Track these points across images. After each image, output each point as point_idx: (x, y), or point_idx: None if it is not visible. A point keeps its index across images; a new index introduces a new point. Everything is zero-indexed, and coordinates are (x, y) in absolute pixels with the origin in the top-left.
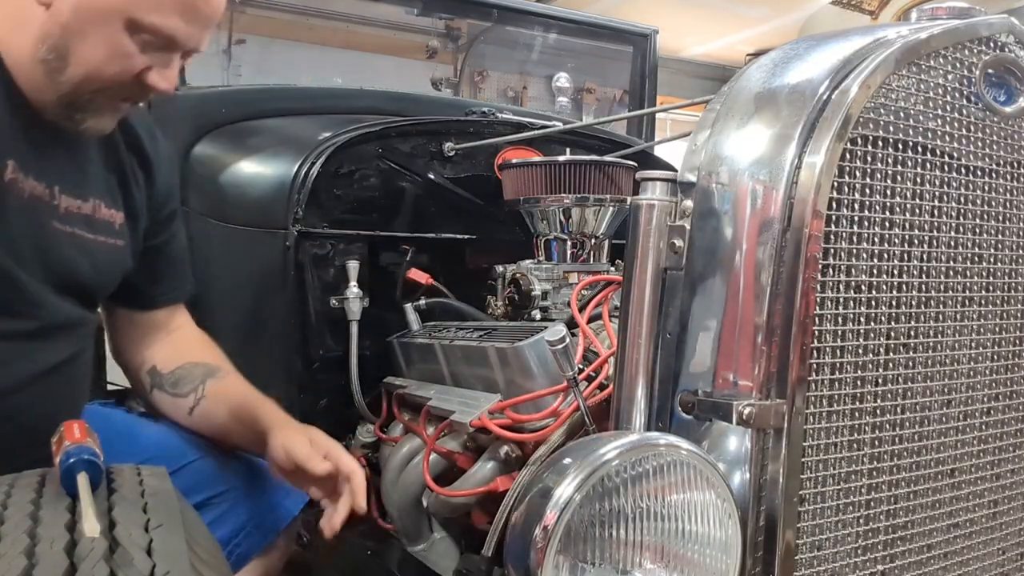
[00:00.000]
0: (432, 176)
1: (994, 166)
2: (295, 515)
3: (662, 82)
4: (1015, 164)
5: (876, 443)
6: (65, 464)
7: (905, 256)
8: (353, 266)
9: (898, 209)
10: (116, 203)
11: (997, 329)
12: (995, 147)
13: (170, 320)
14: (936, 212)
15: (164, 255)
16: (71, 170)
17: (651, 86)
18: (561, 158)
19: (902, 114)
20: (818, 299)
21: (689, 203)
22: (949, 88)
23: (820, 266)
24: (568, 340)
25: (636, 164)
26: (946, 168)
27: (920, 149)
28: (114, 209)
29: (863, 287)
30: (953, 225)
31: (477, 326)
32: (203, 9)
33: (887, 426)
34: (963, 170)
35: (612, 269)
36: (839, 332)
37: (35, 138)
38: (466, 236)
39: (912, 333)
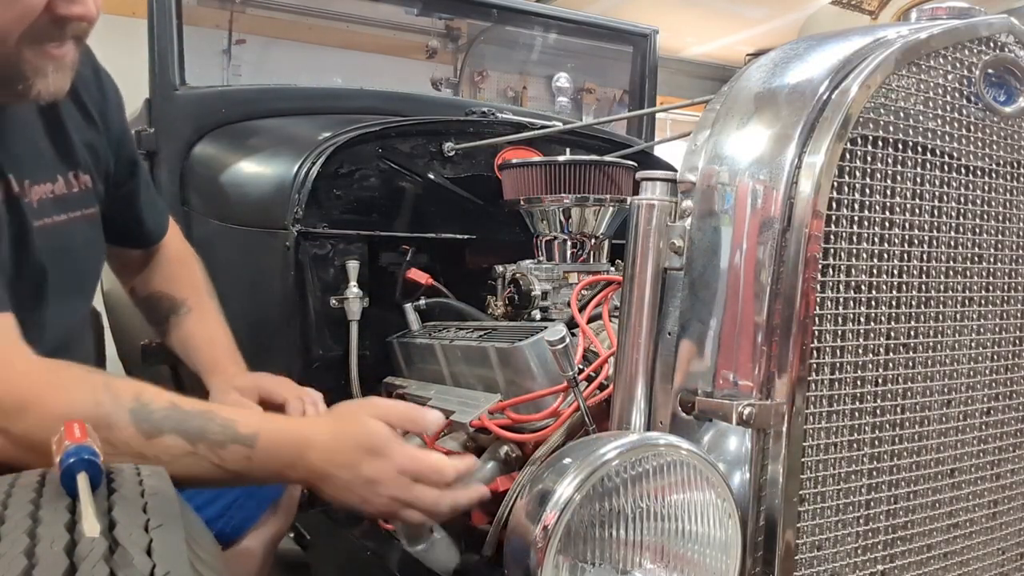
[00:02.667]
0: (432, 176)
1: (994, 166)
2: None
3: (662, 82)
4: (1015, 164)
5: (876, 443)
6: (65, 464)
7: (905, 256)
8: (353, 266)
9: (898, 209)
10: (76, 164)
11: (997, 329)
12: (995, 147)
13: (156, 251)
14: (936, 212)
15: (135, 199)
16: (28, 152)
17: (651, 86)
18: (561, 158)
19: (902, 114)
20: (818, 299)
21: (689, 203)
22: (949, 88)
23: (820, 266)
24: (568, 340)
25: (636, 164)
26: (946, 168)
27: (920, 149)
28: (79, 171)
29: (863, 287)
30: (953, 225)
31: (477, 326)
32: None
33: (887, 426)
34: (963, 170)
35: (612, 269)
36: (839, 332)
37: (11, 133)
38: (466, 236)
39: (912, 333)
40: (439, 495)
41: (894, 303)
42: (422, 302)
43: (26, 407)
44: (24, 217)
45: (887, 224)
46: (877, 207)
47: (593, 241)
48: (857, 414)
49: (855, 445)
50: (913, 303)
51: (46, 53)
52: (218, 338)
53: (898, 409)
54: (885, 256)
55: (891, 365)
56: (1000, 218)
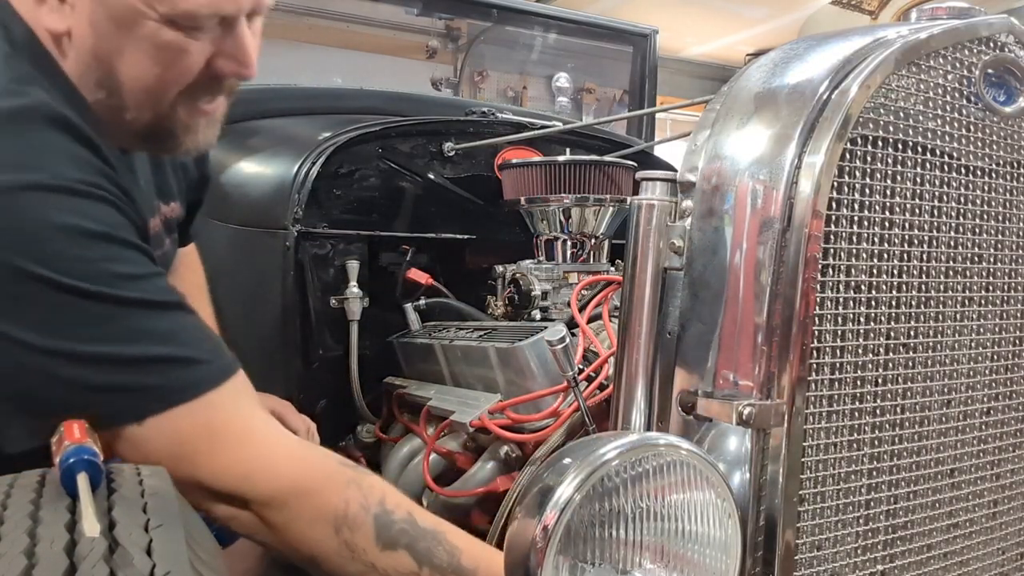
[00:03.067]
0: (432, 176)
1: (994, 166)
2: None
3: (662, 82)
4: (1015, 164)
5: (876, 443)
6: (65, 464)
7: (905, 256)
8: (353, 266)
9: (898, 209)
10: (171, 192)
11: (997, 329)
12: (995, 147)
13: (178, 254)
14: (936, 212)
15: (195, 211)
16: (145, 187)
17: (651, 86)
18: (561, 158)
19: (902, 114)
20: (818, 299)
21: (689, 203)
22: (949, 88)
23: (820, 266)
24: (568, 340)
25: (636, 164)
26: (946, 168)
27: (920, 149)
28: (172, 199)
29: (863, 287)
30: (953, 225)
31: (477, 326)
32: None
33: (887, 426)
34: (963, 170)
35: (612, 269)
36: (839, 332)
37: (136, 177)
38: (466, 236)
39: (912, 333)
40: None
41: (894, 303)
42: (422, 302)
43: (283, 501)
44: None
45: (887, 224)
46: (877, 207)
47: (593, 241)
48: (857, 414)
49: (855, 445)
50: (913, 303)
51: (199, 110)
52: None
53: (898, 409)
54: (885, 256)
55: (891, 365)
56: (1000, 218)
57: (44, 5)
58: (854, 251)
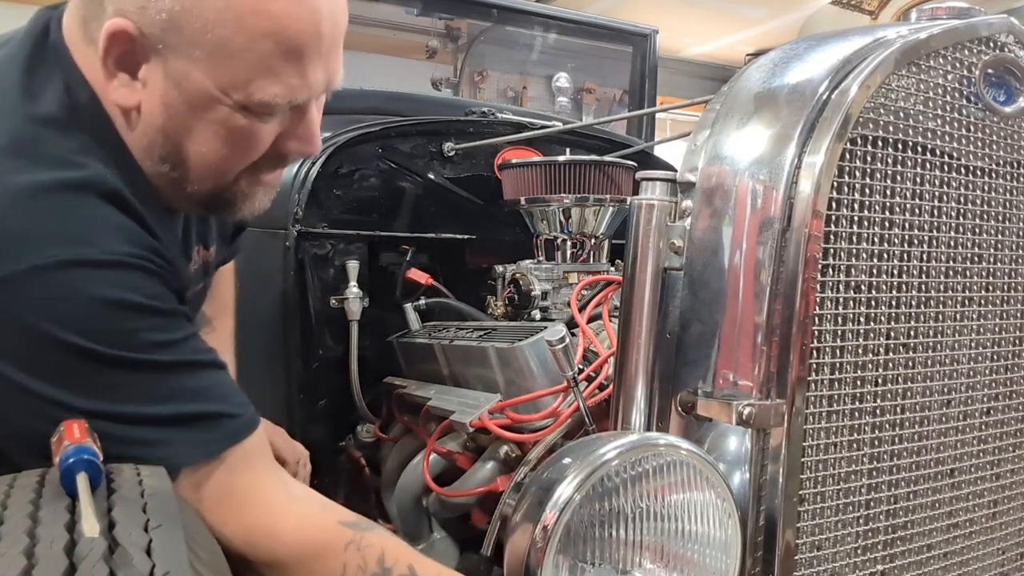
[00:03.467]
0: (432, 176)
1: (994, 166)
2: None
3: (662, 82)
4: (1015, 164)
5: (876, 443)
6: (65, 464)
7: (905, 256)
8: (353, 266)
9: (898, 209)
10: (212, 235)
11: (997, 329)
12: (995, 147)
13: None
14: (936, 212)
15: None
16: (185, 232)
17: (651, 86)
18: (561, 158)
19: (902, 114)
20: (818, 299)
21: (689, 203)
22: (949, 88)
23: (820, 266)
24: (568, 340)
25: (636, 164)
26: (946, 168)
27: (920, 149)
28: (208, 244)
29: (863, 287)
30: (953, 225)
31: (477, 326)
32: (316, 48)
33: (887, 426)
34: (963, 170)
35: (612, 269)
36: (839, 332)
37: (177, 227)
38: (466, 236)
39: (912, 333)
40: None
41: (894, 303)
42: (422, 302)
43: (283, 566)
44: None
45: (887, 224)
46: (877, 207)
47: (593, 241)
48: (857, 414)
49: (855, 445)
50: (913, 303)
51: (259, 181)
52: (227, 364)
53: (898, 409)
54: (885, 256)
55: (891, 365)
56: (1000, 218)
57: (115, 79)
58: (854, 251)
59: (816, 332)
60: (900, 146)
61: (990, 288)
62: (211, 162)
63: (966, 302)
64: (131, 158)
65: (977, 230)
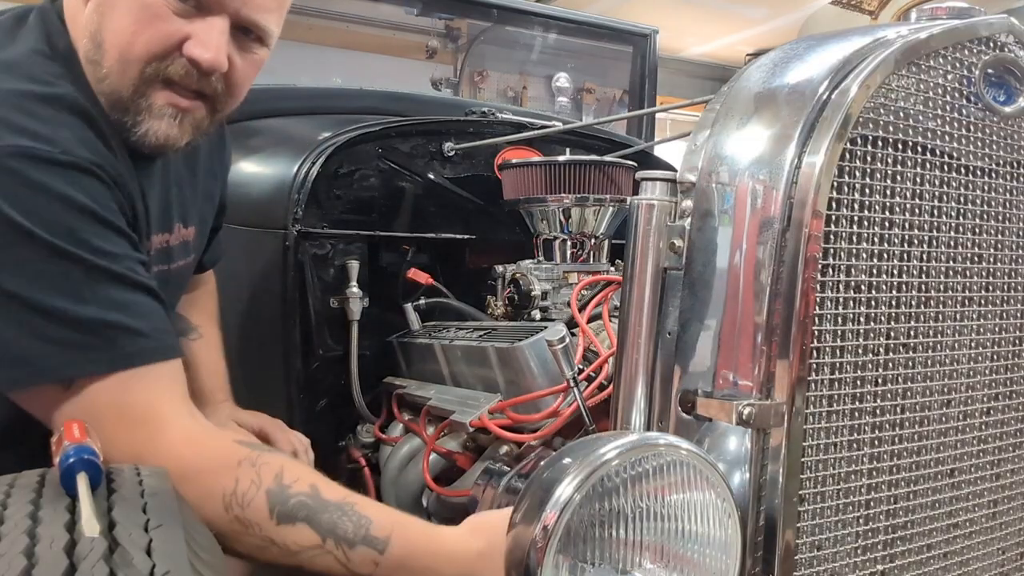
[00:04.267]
0: (432, 176)
1: (994, 166)
2: None
3: (662, 82)
4: (1015, 164)
5: (876, 443)
6: (65, 464)
7: (905, 256)
8: (353, 266)
9: (898, 209)
10: (193, 217)
11: (997, 329)
12: (995, 147)
13: (197, 278)
14: (936, 212)
15: (215, 232)
16: (163, 202)
17: (651, 86)
18: (561, 158)
19: (902, 114)
20: (818, 299)
21: (689, 203)
22: (949, 88)
23: (820, 266)
24: (568, 340)
25: (636, 164)
26: (946, 168)
27: (920, 149)
28: (191, 225)
29: (863, 287)
30: (953, 225)
31: (477, 326)
32: None
33: (887, 426)
34: (963, 170)
35: (612, 269)
36: (839, 332)
37: (149, 190)
38: (466, 236)
39: (912, 333)
40: None
41: (894, 303)
42: (422, 302)
43: (180, 479)
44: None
45: (887, 224)
46: (877, 207)
47: (593, 241)
48: (857, 414)
49: (855, 445)
50: (913, 303)
51: (170, 98)
52: (219, 370)
53: (898, 409)
54: (885, 256)
55: (891, 365)
56: (1000, 218)
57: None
58: (854, 251)
59: (816, 332)
60: (900, 146)
61: (990, 288)
62: (119, 40)
63: (966, 302)
64: (95, 95)
65: (977, 230)
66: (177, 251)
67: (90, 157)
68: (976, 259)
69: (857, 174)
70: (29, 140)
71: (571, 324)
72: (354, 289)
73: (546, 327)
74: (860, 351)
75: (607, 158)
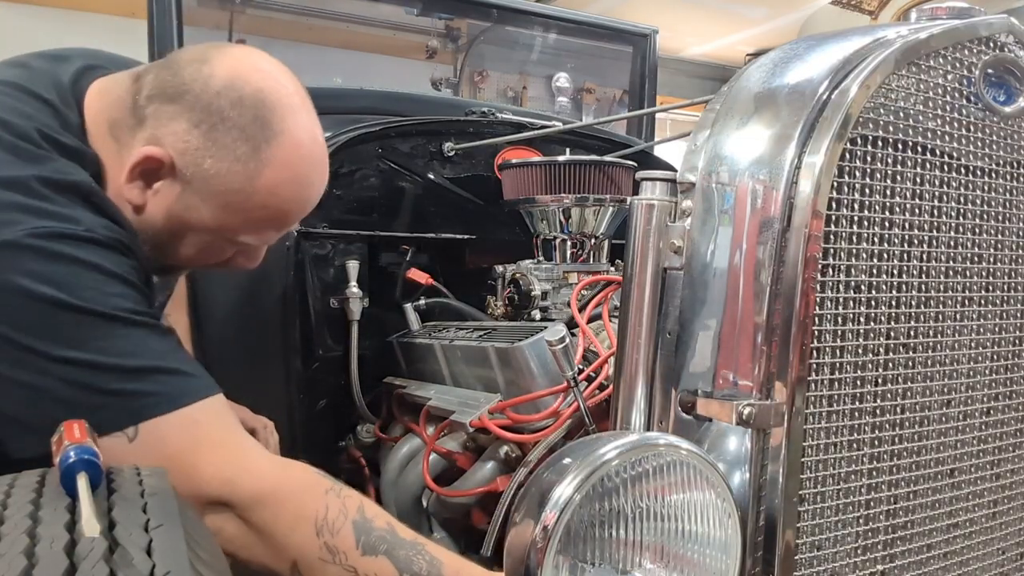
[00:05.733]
0: (432, 176)
1: (994, 166)
2: None
3: (662, 82)
4: (1015, 164)
5: (876, 443)
6: (65, 464)
7: (905, 256)
8: (353, 266)
9: (898, 209)
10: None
11: (997, 329)
12: (995, 147)
13: None
14: (936, 212)
15: None
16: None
17: (651, 86)
18: (561, 158)
19: (902, 114)
20: (818, 299)
21: (689, 203)
22: (949, 88)
23: (820, 266)
24: (568, 340)
25: (636, 164)
26: (946, 168)
27: (920, 149)
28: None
29: (863, 287)
30: (953, 225)
31: (477, 326)
32: (296, 216)
33: (887, 426)
34: (963, 170)
35: (612, 269)
36: (839, 332)
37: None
38: (466, 236)
39: (912, 333)
40: None
41: (894, 303)
42: (422, 302)
43: (264, 501)
44: None
45: (887, 224)
46: (877, 207)
47: (593, 241)
48: (857, 414)
49: (855, 445)
50: (913, 303)
51: (206, 266)
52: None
53: (898, 409)
54: (885, 256)
55: (891, 365)
56: (1000, 218)
57: (133, 184)
58: (854, 251)
59: (816, 332)
60: (900, 146)
61: (990, 288)
62: (184, 259)
63: (966, 302)
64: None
65: (977, 230)
66: (160, 287)
67: (110, 235)
68: (976, 259)
69: (857, 174)
70: (54, 222)
71: (571, 324)
72: (354, 289)
73: (546, 327)
74: (860, 351)
75: (607, 158)
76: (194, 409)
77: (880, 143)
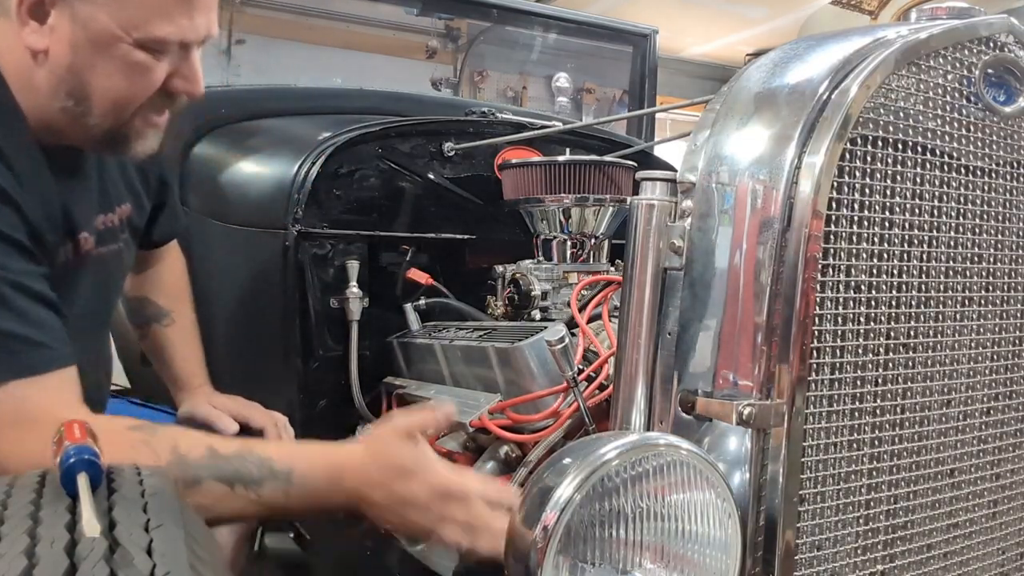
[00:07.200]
0: (432, 176)
1: (994, 166)
2: None
3: (662, 82)
4: (1015, 164)
5: (876, 443)
6: (65, 464)
7: (905, 256)
8: (353, 266)
9: (898, 209)
10: (125, 195)
11: (997, 329)
12: (995, 147)
13: (154, 255)
14: (936, 212)
15: (159, 209)
16: (88, 191)
17: (651, 86)
18: (561, 158)
19: (902, 114)
20: (818, 299)
21: (689, 203)
22: (949, 88)
23: (820, 266)
24: (568, 340)
25: (636, 164)
26: (946, 168)
27: (920, 149)
28: (125, 203)
29: (863, 287)
30: (953, 225)
31: (477, 326)
32: None
33: (887, 426)
34: (963, 170)
35: (612, 269)
36: (839, 332)
37: (77, 187)
38: (466, 236)
39: (912, 333)
40: (473, 516)
41: (894, 303)
42: (422, 302)
43: None
44: (81, 258)
45: (887, 224)
46: (877, 207)
47: (593, 241)
48: (857, 414)
49: (855, 445)
50: (913, 303)
51: (151, 121)
52: (194, 355)
53: (898, 409)
54: (885, 256)
55: (891, 365)
56: (1000, 218)
57: (27, 27)
58: (854, 251)
59: (816, 332)
60: (900, 146)
61: (990, 288)
62: (112, 96)
63: (966, 302)
64: (14, 105)
65: (977, 230)
66: (121, 228)
67: None
68: (976, 259)
69: (857, 174)
70: None
71: (571, 324)
72: (354, 289)
73: (546, 327)
74: (860, 351)
75: (607, 158)
76: (28, 383)
77: (880, 143)
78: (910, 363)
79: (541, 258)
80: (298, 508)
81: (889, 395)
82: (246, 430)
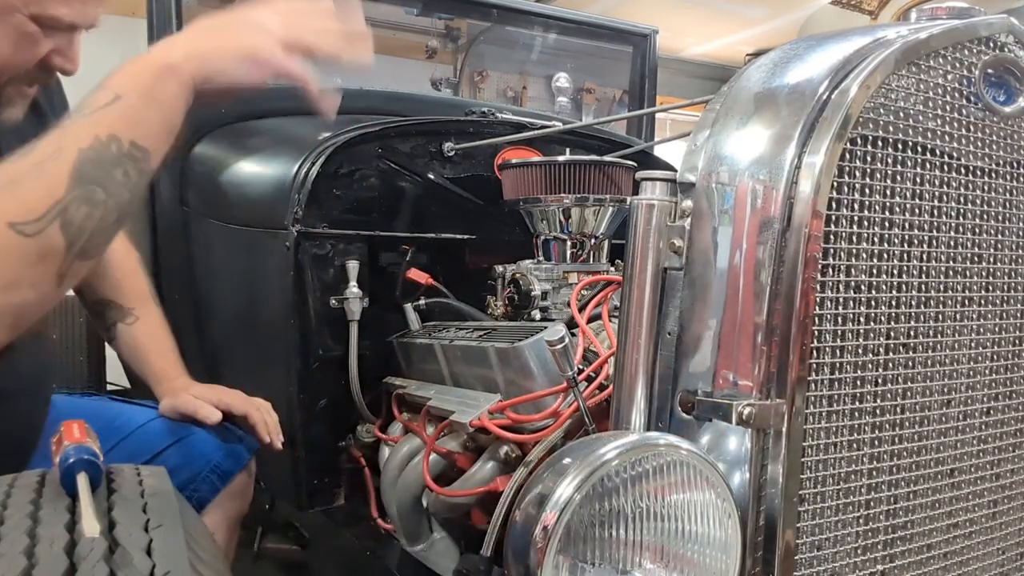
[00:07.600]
0: (432, 176)
1: (994, 166)
2: (248, 458)
3: (662, 82)
4: (1015, 164)
5: (876, 443)
6: (65, 464)
7: (905, 256)
8: (353, 266)
9: (898, 209)
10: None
11: (997, 329)
12: (995, 147)
13: None
14: (936, 212)
15: None
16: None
17: (651, 86)
18: (561, 158)
19: (902, 114)
20: (818, 299)
21: (689, 203)
22: (949, 88)
23: (820, 266)
24: (568, 340)
25: (636, 164)
26: (946, 168)
27: (920, 149)
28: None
29: (863, 287)
30: (953, 225)
31: (477, 326)
32: None
33: (887, 426)
34: (963, 170)
35: (612, 269)
36: (839, 332)
37: None
38: (466, 236)
39: (912, 333)
40: (328, 22)
41: (894, 303)
42: (422, 302)
43: None
44: None
45: (887, 224)
46: (877, 207)
47: (593, 241)
48: (857, 414)
49: (855, 445)
50: (913, 303)
51: (22, 91)
52: (166, 348)
53: (898, 409)
54: (885, 256)
55: (891, 365)
56: (1000, 218)
57: None
58: (854, 251)
59: (816, 332)
60: (900, 146)
61: (990, 288)
62: None
63: (966, 302)
64: None
65: (977, 230)
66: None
67: None
68: (976, 259)
69: (857, 174)
70: None
71: (571, 324)
72: (354, 289)
73: (546, 327)
74: (860, 351)
75: (607, 158)
76: None
77: (880, 143)
78: (910, 363)
79: (541, 258)
80: (154, 113)
81: (889, 395)
82: (228, 418)
